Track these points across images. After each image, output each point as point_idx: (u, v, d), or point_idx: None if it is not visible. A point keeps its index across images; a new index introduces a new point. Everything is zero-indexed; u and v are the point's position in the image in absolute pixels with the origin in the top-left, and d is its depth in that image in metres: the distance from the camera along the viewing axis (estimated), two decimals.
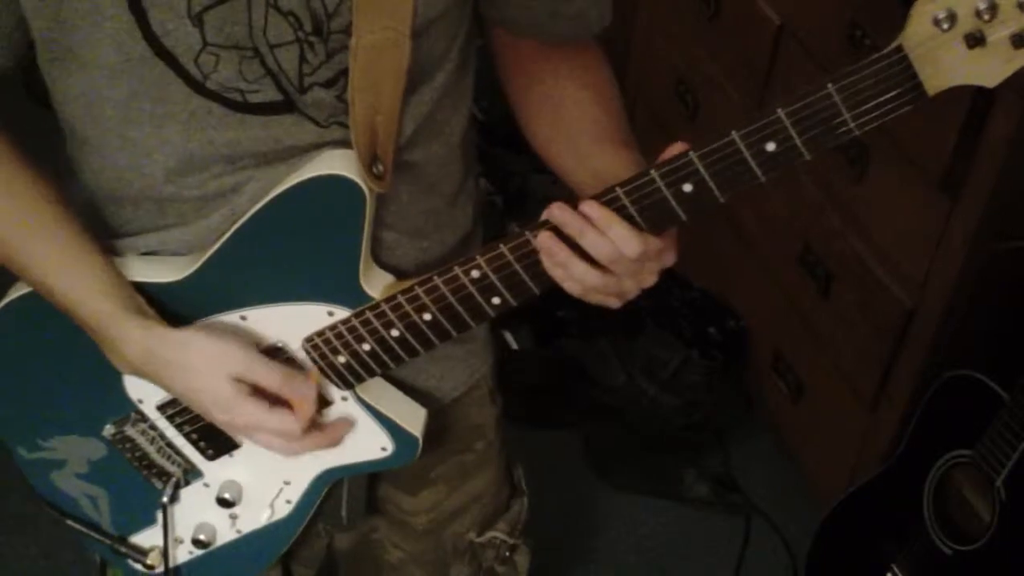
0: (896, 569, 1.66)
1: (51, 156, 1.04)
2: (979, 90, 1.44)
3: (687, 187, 0.85)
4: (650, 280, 0.93)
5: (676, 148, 0.86)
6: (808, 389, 2.05)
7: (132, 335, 0.97)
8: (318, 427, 1.05)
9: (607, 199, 0.88)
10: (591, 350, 2.27)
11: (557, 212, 0.89)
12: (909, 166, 1.64)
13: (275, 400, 1.00)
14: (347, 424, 1.07)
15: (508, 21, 1.02)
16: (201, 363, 0.97)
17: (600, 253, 0.89)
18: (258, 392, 0.99)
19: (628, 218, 0.88)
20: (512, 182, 2.47)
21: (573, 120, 1.04)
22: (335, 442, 1.07)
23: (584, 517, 2.16)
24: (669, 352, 2.20)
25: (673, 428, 2.21)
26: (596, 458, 2.25)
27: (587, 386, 2.27)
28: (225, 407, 0.98)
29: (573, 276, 0.90)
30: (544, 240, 0.90)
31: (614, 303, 0.95)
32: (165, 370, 0.98)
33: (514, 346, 2.34)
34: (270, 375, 0.99)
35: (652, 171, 0.86)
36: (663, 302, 2.27)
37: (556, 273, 0.91)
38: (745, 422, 2.26)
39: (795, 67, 1.88)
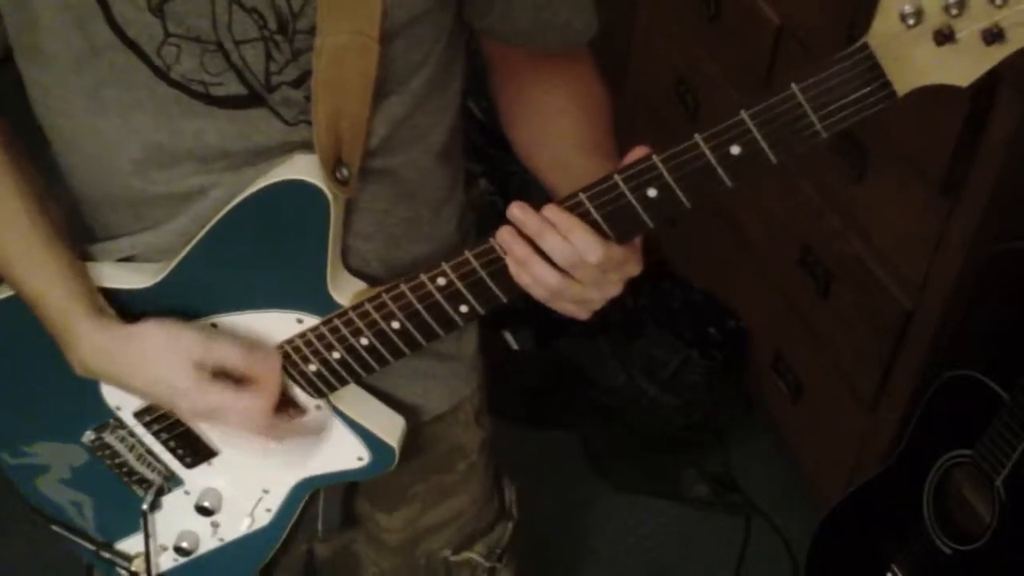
0: (896, 569, 1.66)
1: (42, 155, 1.05)
2: (978, 91, 1.45)
3: (651, 192, 0.83)
4: (614, 290, 0.91)
5: (638, 152, 0.84)
6: (808, 389, 2.05)
7: (87, 332, 0.97)
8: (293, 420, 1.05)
9: (570, 204, 0.86)
10: (591, 351, 2.27)
11: (516, 211, 0.87)
12: (908, 167, 1.64)
13: (240, 381, 0.98)
14: (324, 420, 1.06)
15: (491, 30, 1.01)
16: (158, 351, 0.96)
17: (560, 257, 0.87)
18: (221, 375, 0.98)
19: (593, 224, 0.86)
20: (512, 182, 2.47)
21: (557, 129, 1.03)
22: (312, 432, 1.06)
23: (584, 517, 2.17)
24: (669, 352, 2.20)
25: (673, 428, 2.21)
26: (596, 458, 2.25)
27: (587, 386, 2.27)
28: (187, 394, 0.96)
29: (533, 276, 0.88)
30: (502, 236, 0.88)
31: (580, 313, 0.93)
32: (123, 367, 0.97)
33: (514, 346, 2.35)
34: (231, 351, 0.98)
35: (615, 176, 0.84)
36: (663, 303, 2.27)
37: (520, 277, 0.89)
38: (745, 422, 2.26)
39: (795, 67, 1.88)
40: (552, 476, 2.19)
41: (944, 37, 0.72)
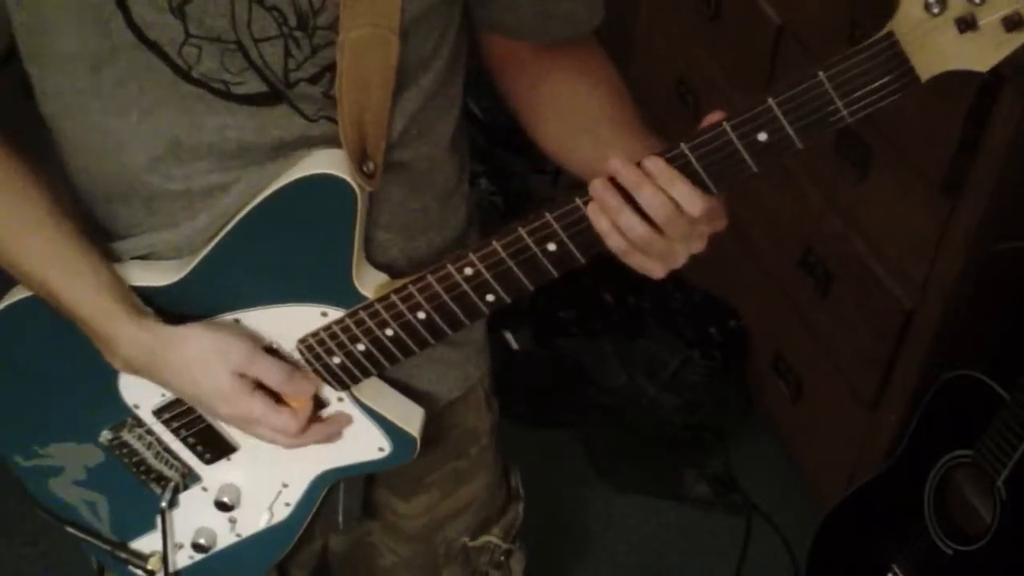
0: (897, 569, 1.67)
1: (50, 155, 1.04)
2: (979, 92, 1.45)
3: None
4: (699, 245, 0.89)
5: (715, 116, 0.83)
6: (808, 389, 2.05)
7: (130, 333, 0.97)
8: (316, 421, 1.06)
9: (670, 155, 0.84)
10: (592, 350, 2.27)
11: (615, 162, 0.85)
12: (910, 167, 1.64)
13: (275, 398, 1.00)
14: (345, 419, 1.07)
15: (497, 22, 1.01)
16: (201, 359, 0.97)
17: (657, 211, 0.85)
18: (259, 388, 0.99)
19: (692, 175, 0.84)
20: (512, 182, 2.47)
21: (589, 111, 1.02)
22: (332, 437, 1.07)
23: (584, 517, 2.16)
24: (669, 352, 2.19)
25: (673, 428, 2.21)
26: (596, 458, 2.25)
27: (587, 386, 2.27)
28: (227, 401, 0.99)
29: (620, 226, 0.86)
30: (595, 186, 0.86)
31: (657, 270, 0.90)
32: (165, 369, 0.98)
33: (514, 346, 2.34)
34: (272, 371, 0.99)
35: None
36: (664, 303, 2.27)
37: (601, 224, 0.87)
38: (745, 422, 2.26)
39: (795, 67, 1.88)
40: (552, 476, 2.18)
41: (966, 25, 0.74)
